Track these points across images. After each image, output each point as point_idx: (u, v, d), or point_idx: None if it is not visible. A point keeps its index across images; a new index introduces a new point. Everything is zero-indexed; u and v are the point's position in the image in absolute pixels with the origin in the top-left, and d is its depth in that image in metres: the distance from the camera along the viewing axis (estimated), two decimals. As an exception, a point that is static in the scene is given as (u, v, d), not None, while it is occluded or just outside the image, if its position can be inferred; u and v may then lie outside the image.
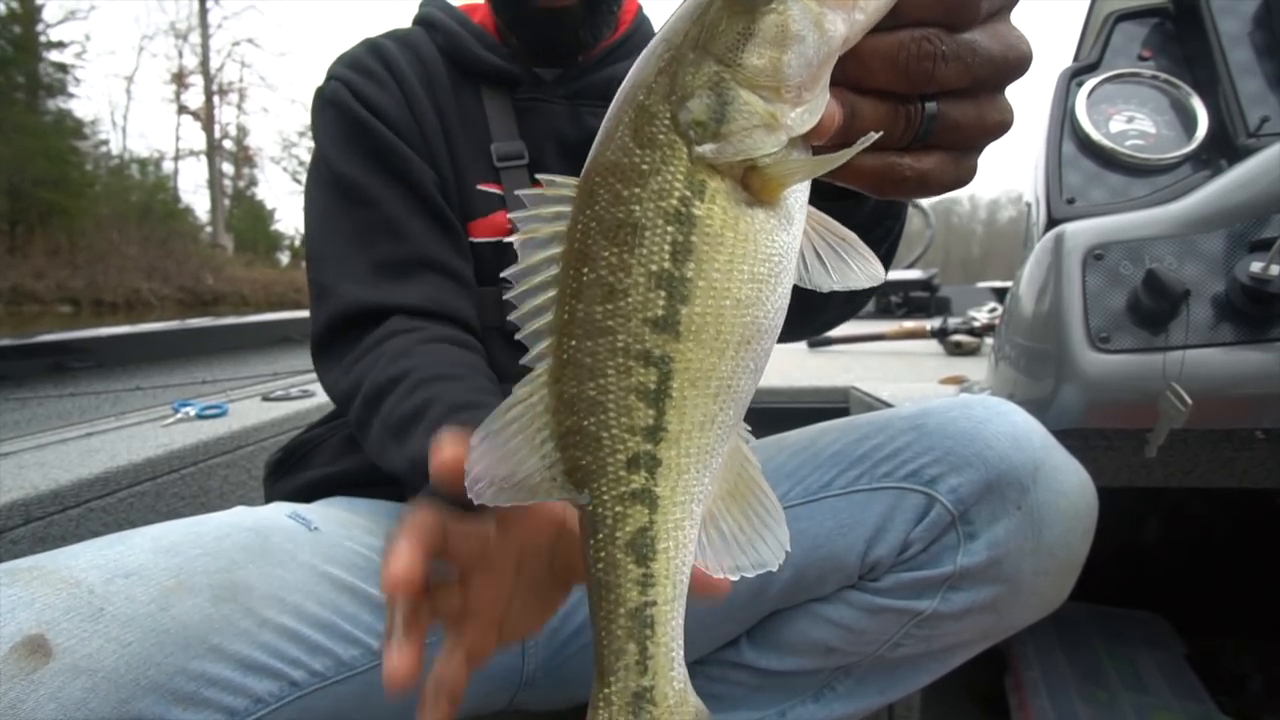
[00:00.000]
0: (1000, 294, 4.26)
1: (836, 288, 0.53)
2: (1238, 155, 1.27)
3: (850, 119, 0.53)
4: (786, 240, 0.51)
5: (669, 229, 0.48)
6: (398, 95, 1.24)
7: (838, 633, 1.06)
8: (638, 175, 0.49)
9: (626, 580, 0.52)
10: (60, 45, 36.78)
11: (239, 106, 50.69)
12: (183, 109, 48.18)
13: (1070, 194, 1.37)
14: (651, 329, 0.49)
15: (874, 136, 0.49)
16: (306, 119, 1.33)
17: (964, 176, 0.61)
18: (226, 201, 48.82)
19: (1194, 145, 1.36)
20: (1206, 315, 1.18)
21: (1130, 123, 1.41)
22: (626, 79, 0.51)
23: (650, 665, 0.54)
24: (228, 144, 50.41)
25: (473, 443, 0.51)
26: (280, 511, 1.08)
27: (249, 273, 40.55)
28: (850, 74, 0.53)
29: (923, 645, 1.06)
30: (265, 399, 2.27)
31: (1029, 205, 1.54)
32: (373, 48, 1.30)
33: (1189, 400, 1.14)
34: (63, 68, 36.49)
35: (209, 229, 46.31)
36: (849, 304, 1.10)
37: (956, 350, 2.78)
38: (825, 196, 0.71)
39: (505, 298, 0.51)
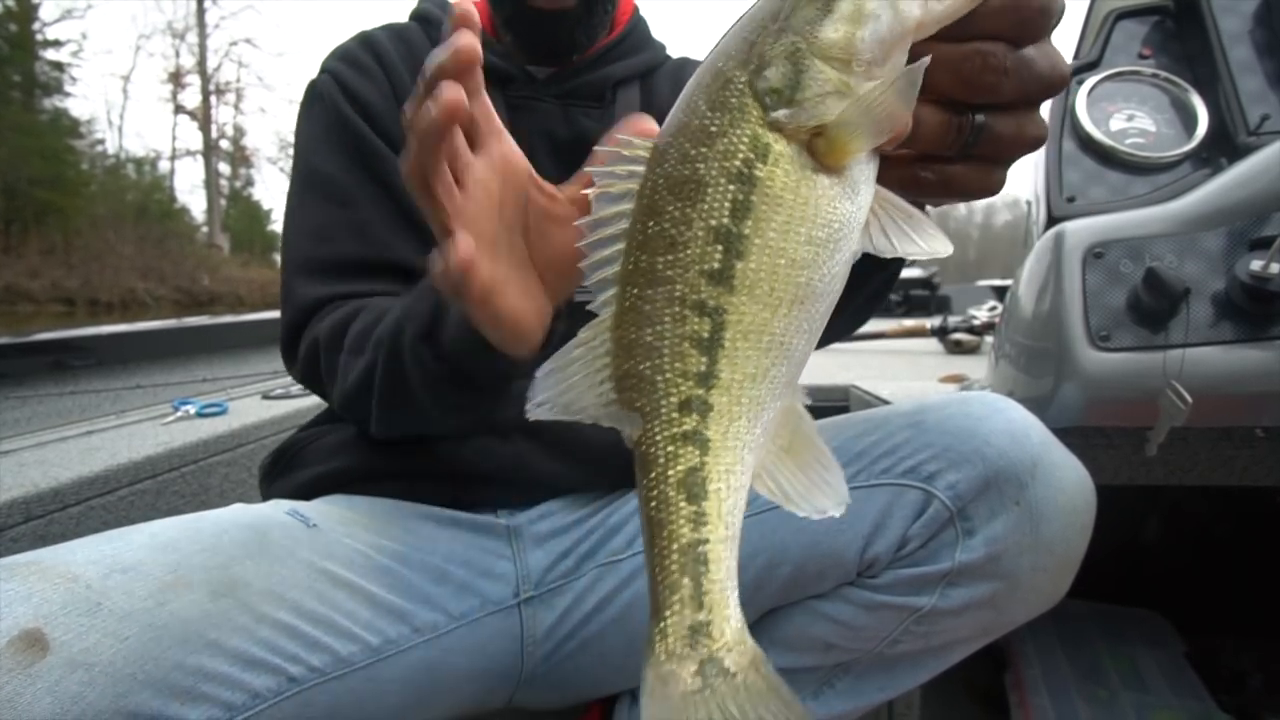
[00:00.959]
0: (1000, 292, 4.26)
1: (899, 254, 0.55)
2: (1238, 153, 1.28)
3: (914, 126, 0.55)
4: (849, 209, 0.53)
5: (730, 187, 0.51)
6: (386, 88, 1.25)
7: (836, 629, 1.07)
8: (706, 136, 0.52)
9: (679, 517, 0.54)
10: (57, 44, 36.74)
11: (236, 106, 50.72)
12: (179, 109, 48.17)
13: (1070, 192, 1.37)
14: (708, 281, 0.52)
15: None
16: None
17: (993, 187, 0.63)
18: (223, 201, 48.80)
19: (1194, 143, 1.36)
20: (1206, 313, 1.18)
21: (1130, 121, 1.41)
22: (712, 50, 0.54)
23: (706, 600, 0.54)
24: (224, 144, 50.41)
25: (538, 375, 0.54)
26: (279, 509, 1.08)
27: (245, 273, 40.54)
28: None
29: (921, 642, 1.06)
30: (265, 397, 2.27)
31: (1029, 204, 1.54)
32: (365, 40, 1.31)
33: (1189, 398, 1.14)
34: (59, 66, 36.44)
35: (205, 229, 46.31)
36: (861, 312, 1.10)
37: (956, 349, 2.78)
38: None
39: (577, 246, 0.55)
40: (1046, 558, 1.00)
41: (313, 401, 2.19)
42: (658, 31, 1.43)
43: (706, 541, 0.54)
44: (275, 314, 1.24)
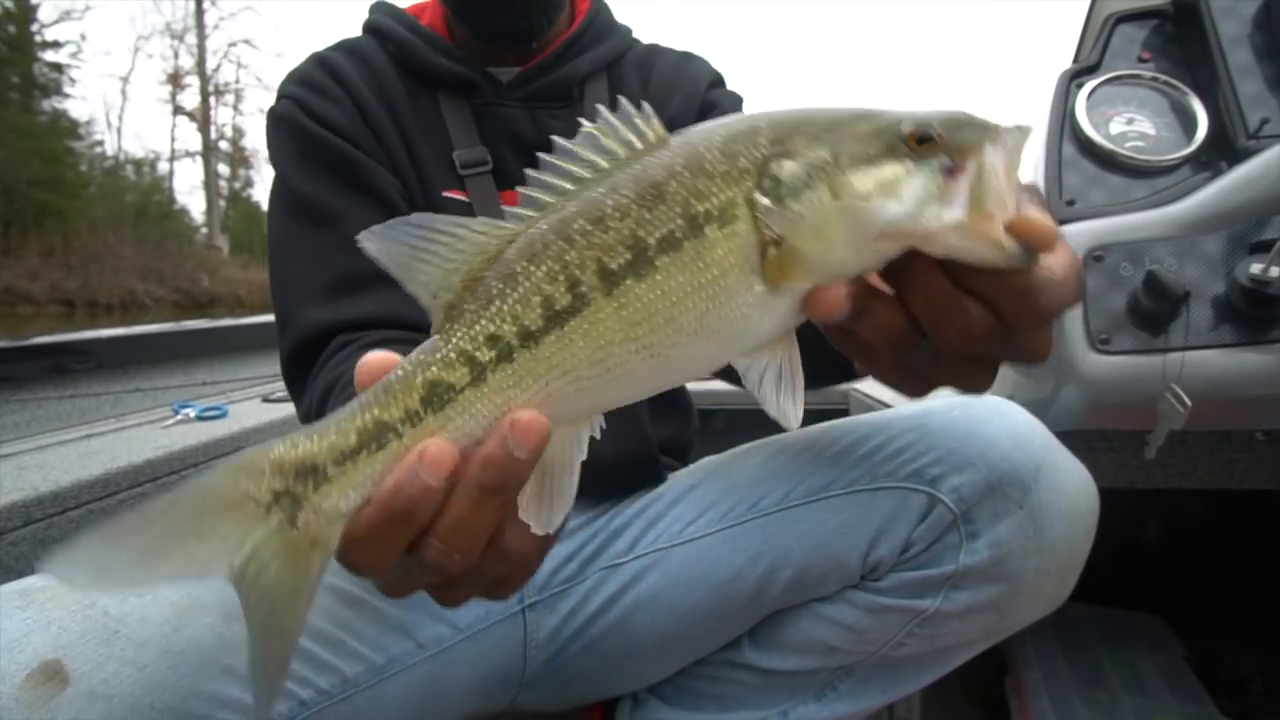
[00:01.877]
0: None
1: (761, 402, 0.58)
2: (1238, 157, 1.27)
3: (860, 313, 0.57)
4: (753, 324, 0.55)
5: (679, 221, 0.53)
6: (350, 109, 1.24)
7: (839, 632, 1.06)
8: (697, 166, 0.53)
9: (397, 400, 0.55)
10: (55, 45, 36.72)
11: (235, 107, 50.67)
12: (178, 110, 48.15)
13: (1070, 195, 1.37)
14: (597, 270, 0.53)
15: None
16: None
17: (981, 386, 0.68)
18: (222, 203, 48.79)
19: (1194, 147, 1.36)
20: (1206, 317, 1.18)
21: (1130, 124, 1.41)
22: (774, 110, 0.56)
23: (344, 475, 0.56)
24: (223, 145, 50.37)
25: (410, 217, 0.56)
26: None
27: (245, 274, 40.49)
28: (899, 285, 0.58)
29: (925, 644, 1.06)
30: (265, 400, 2.27)
31: (1029, 207, 1.54)
32: (320, 62, 1.29)
33: (1189, 402, 1.14)
34: (58, 68, 36.43)
35: (204, 230, 46.30)
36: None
37: (955, 351, 2.78)
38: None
39: (527, 170, 0.57)
40: (1050, 561, 1.00)
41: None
42: (621, 15, 1.42)
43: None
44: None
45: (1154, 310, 1.18)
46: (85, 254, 32.81)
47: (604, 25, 1.36)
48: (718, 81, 1.42)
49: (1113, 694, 1.78)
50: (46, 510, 1.35)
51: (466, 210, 1.22)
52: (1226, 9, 1.40)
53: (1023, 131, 0.54)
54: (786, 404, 0.57)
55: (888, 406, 1.28)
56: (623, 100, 0.56)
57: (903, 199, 0.52)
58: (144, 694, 0.77)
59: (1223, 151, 1.34)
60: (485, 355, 0.55)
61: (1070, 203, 1.36)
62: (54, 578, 0.58)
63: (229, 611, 0.87)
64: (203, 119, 47.91)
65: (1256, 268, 1.14)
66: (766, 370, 0.57)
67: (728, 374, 0.69)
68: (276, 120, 1.25)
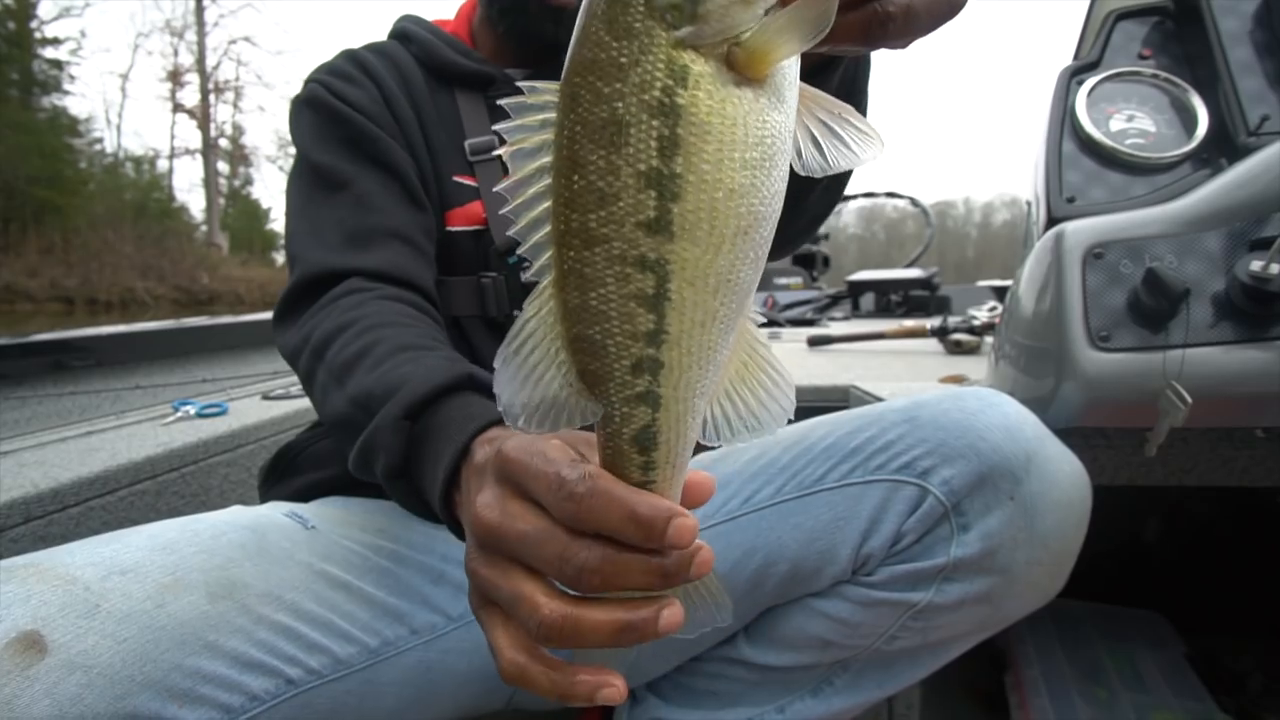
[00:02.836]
0: (1000, 293, 4.26)
1: (832, 170, 0.53)
2: (1238, 154, 1.28)
3: None
4: (779, 120, 0.49)
5: (654, 123, 0.46)
6: (374, 93, 1.27)
7: (833, 627, 1.07)
8: (617, 69, 0.46)
9: (631, 465, 0.56)
10: (55, 42, 36.73)
11: (235, 105, 50.69)
12: (178, 107, 48.15)
13: (1070, 193, 1.37)
14: (646, 233, 0.48)
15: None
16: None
17: (956, 2, 0.62)
18: (222, 200, 48.78)
19: (1194, 144, 1.36)
20: (1206, 314, 1.18)
21: (1130, 121, 1.42)
22: None
23: None
24: (223, 143, 50.39)
25: (496, 365, 0.52)
26: (277, 510, 1.08)
27: (244, 272, 40.50)
28: None
29: (919, 638, 1.06)
30: (265, 398, 2.27)
31: (1029, 204, 1.54)
32: (349, 56, 1.33)
33: (1189, 399, 1.14)
34: (57, 64, 36.43)
35: (204, 228, 46.30)
36: (828, 192, 1.12)
37: (956, 349, 2.78)
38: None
39: (501, 212, 0.53)
40: (1042, 552, 1.00)
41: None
42: None
43: (653, 483, 0.57)
44: (274, 314, 1.24)
45: (1154, 307, 1.18)
46: (84, 251, 32.83)
47: None
48: None
49: (1112, 690, 1.78)
50: (46, 507, 1.35)
51: (474, 194, 1.26)
52: (1227, 6, 1.40)
53: None
54: (857, 136, 0.53)
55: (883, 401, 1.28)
56: (501, 103, 0.51)
57: None
58: (124, 666, 0.76)
59: (1223, 148, 1.34)
60: (643, 384, 0.53)
61: (1070, 200, 1.36)
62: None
63: (214, 590, 0.87)
64: (202, 116, 47.93)
65: (1257, 265, 1.14)
66: (814, 130, 0.52)
67: None
68: (301, 103, 1.29)
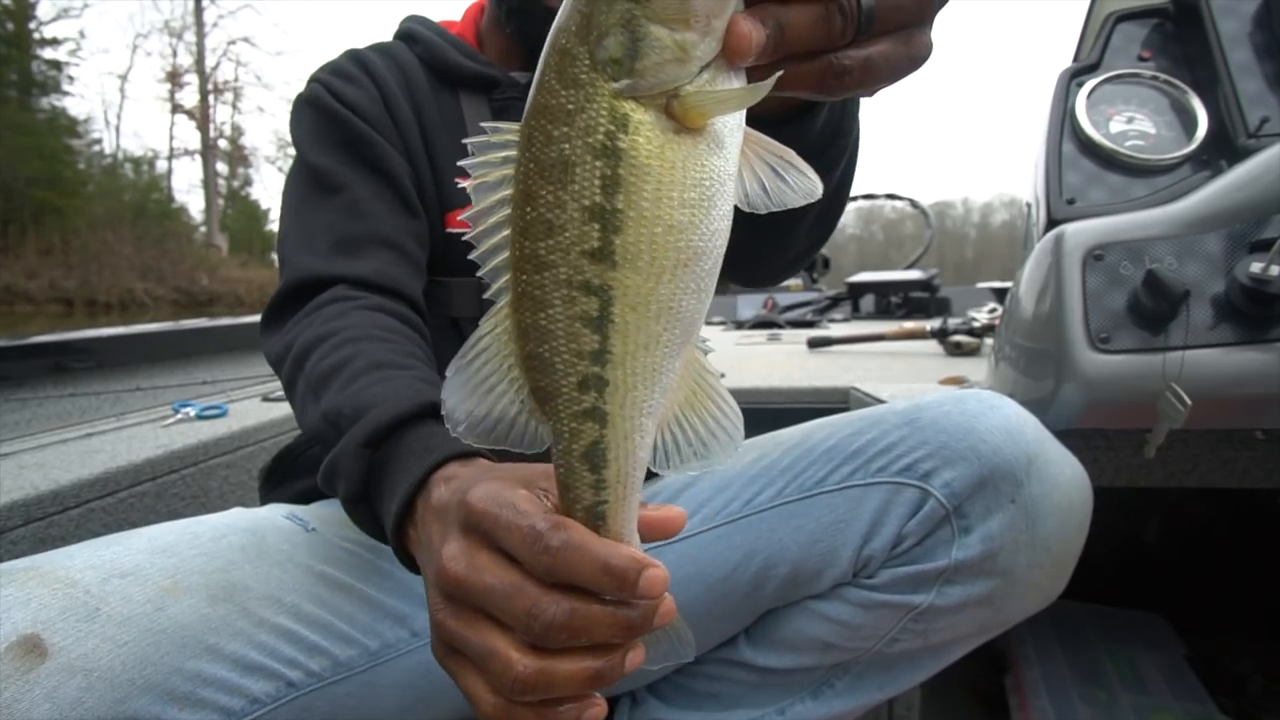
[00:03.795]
0: (1000, 294, 4.26)
1: (774, 208, 0.55)
2: (1237, 156, 1.28)
3: (779, 33, 0.53)
4: (718, 164, 0.53)
5: (597, 164, 0.51)
6: (374, 94, 1.26)
7: (834, 629, 1.07)
8: (565, 115, 0.51)
9: (582, 485, 0.58)
10: (54, 42, 36.71)
11: (234, 106, 50.66)
12: (177, 108, 48.14)
13: (1070, 194, 1.37)
14: (589, 260, 0.52)
15: (776, 78, 0.51)
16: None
17: (917, 55, 0.61)
18: (221, 201, 48.77)
19: (1194, 146, 1.36)
20: (1206, 316, 1.18)
21: (1130, 123, 1.42)
22: (553, 25, 0.52)
23: None
24: (223, 143, 50.36)
25: (448, 374, 0.56)
26: (277, 513, 1.08)
27: (244, 273, 40.48)
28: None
29: (919, 640, 1.06)
30: (265, 399, 2.27)
31: (1029, 206, 1.54)
32: (352, 56, 1.32)
33: (1188, 400, 1.14)
34: (56, 65, 36.42)
35: (203, 229, 46.29)
36: (821, 221, 1.11)
37: (956, 351, 2.78)
38: (770, 123, 0.72)
39: (464, 238, 0.55)
40: (1043, 555, 1.01)
41: (313, 403, 2.18)
42: None
43: (605, 503, 0.59)
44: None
45: (1154, 309, 1.18)
46: (84, 253, 32.83)
47: None
48: None
49: (1112, 692, 1.78)
50: (47, 509, 1.35)
51: None
52: (1226, 7, 1.40)
53: None
54: (797, 179, 0.55)
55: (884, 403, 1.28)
56: (465, 142, 0.54)
57: None
58: (124, 670, 0.76)
59: (1223, 150, 1.34)
60: (589, 400, 0.56)
61: (1070, 201, 1.36)
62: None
63: (214, 593, 0.87)
64: (202, 117, 47.93)
65: (1256, 266, 1.14)
66: (757, 177, 0.56)
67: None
68: (302, 102, 1.28)
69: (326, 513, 1.11)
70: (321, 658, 0.94)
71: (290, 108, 1.31)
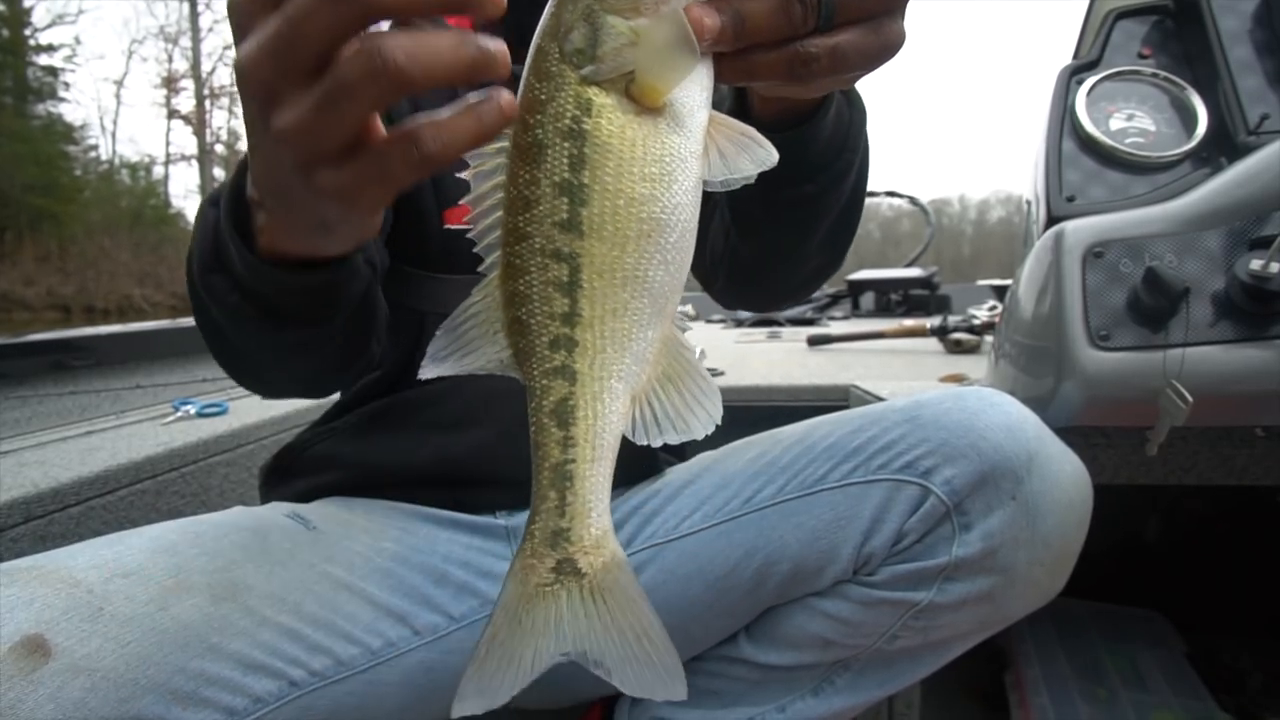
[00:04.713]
0: (1000, 292, 4.26)
1: (731, 177, 0.60)
2: (1238, 153, 1.28)
3: (739, 22, 0.58)
4: (678, 141, 0.58)
5: (565, 144, 0.57)
6: None
7: (835, 626, 1.07)
8: (538, 104, 0.57)
9: (550, 440, 0.62)
10: (49, 48, 36.69)
11: (230, 111, 50.59)
12: (173, 113, 48.10)
13: (1070, 192, 1.37)
14: (560, 230, 0.57)
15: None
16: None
17: (890, 43, 0.63)
18: (219, 206, 48.61)
19: (1194, 143, 1.36)
20: (1206, 313, 1.19)
21: (1130, 120, 1.42)
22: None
23: (568, 511, 0.63)
24: (219, 149, 50.33)
25: (437, 334, 0.60)
26: (278, 511, 1.08)
27: (242, 277, 40.27)
28: None
29: (920, 637, 1.06)
30: (266, 397, 2.27)
31: (1028, 203, 1.55)
32: None
33: (1189, 398, 1.15)
34: (52, 71, 36.39)
35: (201, 233, 46.17)
36: (831, 243, 1.10)
37: (956, 348, 2.78)
38: (772, 128, 0.74)
39: (465, 219, 0.60)
40: (1044, 552, 1.00)
41: (314, 401, 2.18)
42: None
43: (573, 461, 0.62)
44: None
45: (1154, 306, 1.19)
46: (81, 259, 32.81)
47: None
48: None
49: (1112, 689, 1.78)
50: (47, 506, 1.35)
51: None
52: (1226, 5, 1.41)
53: None
54: (754, 149, 0.60)
55: (884, 400, 1.28)
56: None
57: None
58: (128, 669, 0.76)
59: (1223, 147, 1.34)
60: (559, 358, 0.60)
61: (1070, 199, 1.37)
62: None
63: (216, 592, 0.87)
64: (198, 123, 47.88)
65: (1256, 263, 1.15)
66: (721, 150, 0.60)
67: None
68: None
69: (328, 511, 1.12)
70: (324, 656, 0.94)
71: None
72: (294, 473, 1.24)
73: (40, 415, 2.06)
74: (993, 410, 1.02)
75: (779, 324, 4.26)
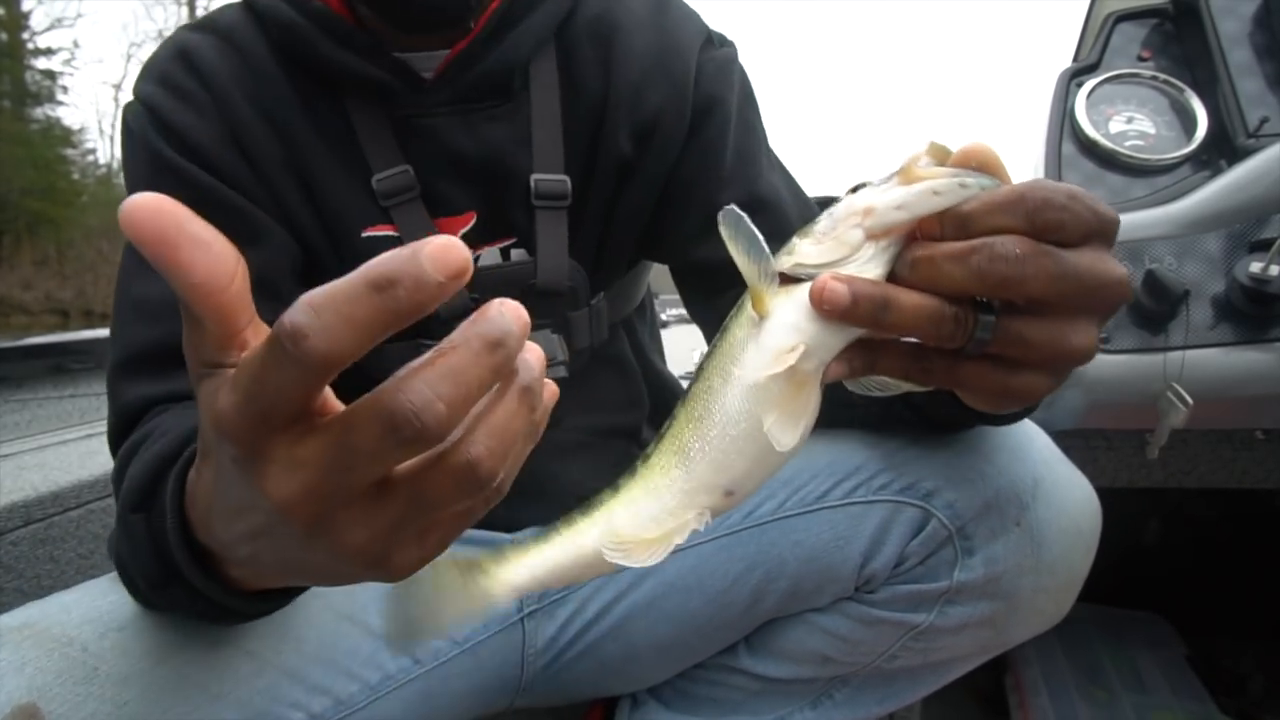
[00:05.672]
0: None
1: (765, 429, 0.60)
2: (1237, 156, 1.28)
3: (881, 305, 0.55)
4: (750, 355, 0.59)
5: (719, 334, 0.61)
6: (214, 121, 0.99)
7: (833, 643, 1.05)
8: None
9: (565, 515, 0.64)
10: (48, 52, 36.64)
11: (230, 115, 50.61)
12: (173, 117, 48.10)
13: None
14: (682, 400, 0.62)
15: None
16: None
17: (1019, 390, 0.60)
18: (217, 210, 48.72)
19: (1193, 146, 1.37)
20: (1206, 316, 1.19)
21: (1130, 123, 1.42)
22: None
23: (523, 551, 0.63)
24: (218, 152, 50.31)
25: None
26: None
27: (239, 281, 40.27)
28: (925, 275, 0.55)
29: (919, 658, 1.05)
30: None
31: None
32: (182, 53, 1.01)
33: (1190, 400, 1.15)
34: (50, 75, 36.31)
35: (199, 237, 46.22)
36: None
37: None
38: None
39: None
40: (1048, 579, 0.98)
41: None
42: None
43: (557, 531, 0.63)
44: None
45: (1154, 309, 1.19)
46: (79, 263, 32.73)
47: None
48: (705, 39, 1.11)
49: (1112, 691, 1.78)
50: (47, 510, 1.34)
51: (393, 244, 0.83)
52: (1226, 7, 1.41)
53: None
54: (778, 425, 0.60)
55: None
56: None
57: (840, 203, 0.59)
58: None
59: (1222, 150, 1.35)
60: (623, 478, 0.63)
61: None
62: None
63: (214, 637, 0.85)
64: (197, 126, 47.91)
65: (1256, 266, 1.15)
66: (774, 397, 0.60)
67: None
68: (127, 129, 1.01)
69: None
70: (324, 697, 0.92)
71: (118, 125, 1.04)
72: None
73: (40, 419, 2.06)
74: (998, 432, 0.99)
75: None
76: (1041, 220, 0.54)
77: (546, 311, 1.05)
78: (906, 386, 0.65)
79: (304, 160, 1.01)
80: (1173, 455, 1.49)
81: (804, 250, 0.58)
